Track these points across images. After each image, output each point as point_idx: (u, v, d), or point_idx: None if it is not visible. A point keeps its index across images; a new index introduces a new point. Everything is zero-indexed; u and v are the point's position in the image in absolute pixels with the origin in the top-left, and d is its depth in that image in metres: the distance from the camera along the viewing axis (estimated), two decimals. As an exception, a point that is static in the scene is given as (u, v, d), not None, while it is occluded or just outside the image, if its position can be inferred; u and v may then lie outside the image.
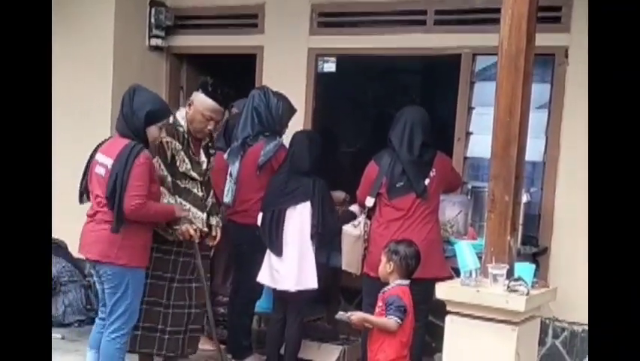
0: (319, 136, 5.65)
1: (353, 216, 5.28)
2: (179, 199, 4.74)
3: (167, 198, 4.68)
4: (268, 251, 5.26)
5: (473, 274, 3.97)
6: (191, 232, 4.70)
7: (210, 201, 5.06)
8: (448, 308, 4.01)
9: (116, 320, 4.48)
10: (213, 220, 5.02)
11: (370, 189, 5.07)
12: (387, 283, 4.44)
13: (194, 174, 4.79)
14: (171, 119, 4.75)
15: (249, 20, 6.77)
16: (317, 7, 6.42)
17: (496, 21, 4.04)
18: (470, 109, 5.85)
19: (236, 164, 5.49)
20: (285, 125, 5.63)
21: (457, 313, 3.97)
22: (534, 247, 5.45)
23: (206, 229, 4.87)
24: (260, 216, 5.30)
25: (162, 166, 4.67)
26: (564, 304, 5.00)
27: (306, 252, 5.26)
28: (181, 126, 4.78)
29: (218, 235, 5.04)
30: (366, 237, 5.11)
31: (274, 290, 5.36)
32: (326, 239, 5.33)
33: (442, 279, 4.34)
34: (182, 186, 4.78)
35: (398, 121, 5.06)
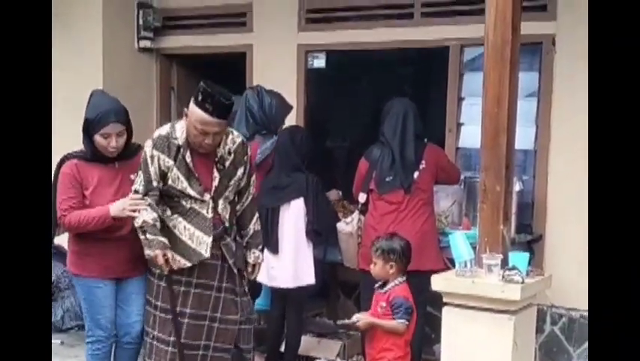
0: (305, 130, 5.67)
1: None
2: (183, 222, 4.23)
3: (169, 222, 4.25)
4: (265, 249, 5.29)
5: (468, 265, 4.00)
6: (160, 260, 4.09)
7: (251, 228, 4.50)
8: (445, 300, 4.04)
9: (86, 325, 4.50)
10: (251, 256, 4.48)
11: (362, 185, 5.10)
12: None
13: (192, 193, 4.19)
14: (167, 130, 4.24)
15: (238, 19, 6.79)
16: (305, 4, 6.44)
17: (483, 12, 4.05)
18: (460, 100, 5.87)
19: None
20: (281, 122, 5.64)
21: (453, 305, 4.00)
22: (529, 234, 5.49)
23: (207, 255, 4.24)
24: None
25: (142, 183, 4.18)
26: (561, 290, 5.02)
27: (302, 248, 5.28)
28: (176, 139, 4.18)
29: (257, 271, 4.56)
30: (359, 232, 5.14)
31: (272, 288, 5.39)
32: (322, 235, 5.36)
33: (438, 271, 4.36)
34: (188, 206, 4.22)
35: (388, 114, 5.08)
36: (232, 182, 4.31)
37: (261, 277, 5.27)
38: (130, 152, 4.43)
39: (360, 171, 5.15)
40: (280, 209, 5.25)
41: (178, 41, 7.12)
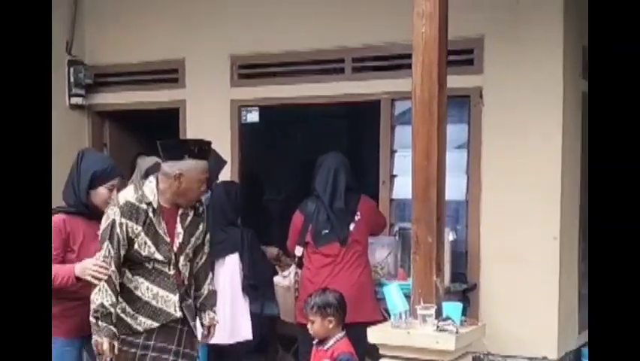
0: (238, 185, 5.68)
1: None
2: (145, 283, 4.05)
3: (129, 283, 4.06)
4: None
5: (403, 316, 4.02)
6: (106, 347, 3.87)
7: (205, 288, 4.32)
8: (381, 351, 4.04)
9: None
10: (206, 318, 4.32)
11: (298, 238, 5.11)
12: None
13: (159, 257, 4.03)
14: (133, 195, 4.03)
15: (170, 75, 6.82)
16: (236, 60, 6.50)
17: (411, 66, 4.12)
18: (393, 152, 5.96)
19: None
20: (215, 177, 5.63)
21: (389, 356, 4.00)
22: (463, 283, 5.55)
23: (179, 314, 4.08)
24: None
25: (110, 251, 3.94)
26: (497, 337, 5.06)
27: (239, 303, 5.25)
28: (148, 204, 4.01)
29: (212, 333, 4.40)
30: (297, 286, 5.13)
31: (208, 345, 5.31)
32: (258, 289, 5.33)
33: (375, 322, 4.37)
34: (150, 267, 4.05)
35: (320, 168, 5.11)
36: (193, 238, 4.20)
37: (197, 334, 5.21)
38: None
39: (296, 225, 5.15)
40: (215, 264, 5.21)
41: (110, 98, 7.10)
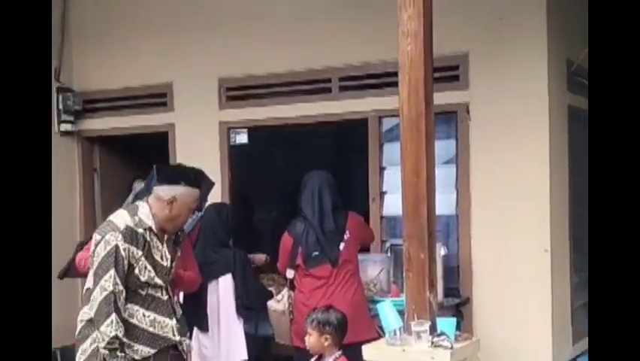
0: (229, 206, 5.69)
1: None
2: (140, 310, 4.00)
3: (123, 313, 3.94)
4: (195, 328, 5.23)
5: (397, 333, 4.03)
6: None
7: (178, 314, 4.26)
8: (377, 369, 4.06)
9: None
10: (185, 345, 4.22)
11: (288, 261, 5.08)
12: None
13: (158, 281, 4.04)
14: (130, 220, 3.98)
15: (158, 99, 6.84)
16: (224, 82, 6.53)
17: (397, 84, 4.14)
18: (382, 169, 6.00)
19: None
20: (204, 199, 5.64)
21: (385, 374, 4.02)
22: (456, 298, 5.57)
23: (177, 338, 4.10)
24: (181, 294, 5.27)
25: (114, 280, 3.84)
26: (491, 351, 5.08)
27: (233, 324, 5.26)
28: (147, 229, 4.00)
29: (189, 359, 4.31)
30: (290, 308, 5.10)
31: (204, 366, 5.32)
32: (252, 309, 5.34)
33: (371, 340, 4.37)
34: (144, 293, 4.02)
35: (305, 188, 5.09)
36: (175, 262, 4.21)
37: (194, 357, 5.21)
38: None
39: (285, 247, 5.12)
40: (208, 286, 5.22)
41: (99, 123, 7.12)
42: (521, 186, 5.45)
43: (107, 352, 3.82)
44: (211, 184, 5.68)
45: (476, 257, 5.64)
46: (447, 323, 4.05)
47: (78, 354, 4.02)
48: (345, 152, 8.36)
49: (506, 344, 5.41)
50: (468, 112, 5.62)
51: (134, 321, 3.98)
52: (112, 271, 3.84)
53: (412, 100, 3.93)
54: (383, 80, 5.81)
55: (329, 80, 6.14)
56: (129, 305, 3.97)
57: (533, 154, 5.41)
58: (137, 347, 3.97)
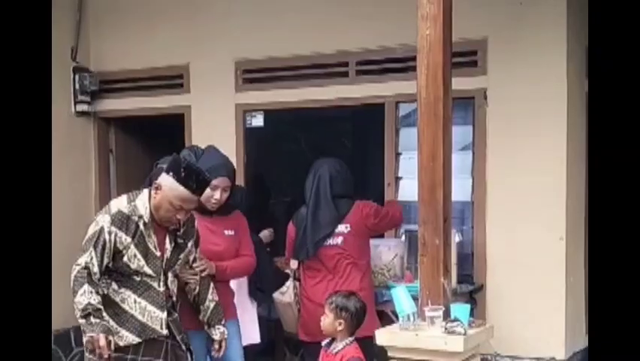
0: (244, 189, 5.68)
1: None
2: (132, 295, 3.96)
3: (115, 296, 3.94)
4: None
5: (411, 318, 4.03)
6: (103, 342, 3.70)
7: (209, 301, 4.29)
8: (390, 354, 4.05)
9: None
10: (217, 333, 4.30)
11: (292, 251, 5.01)
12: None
13: (148, 271, 3.95)
14: (126, 206, 3.94)
15: (175, 81, 6.84)
16: (241, 64, 6.52)
17: (415, 69, 4.14)
18: (397, 154, 5.97)
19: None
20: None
21: (399, 359, 4.01)
22: (470, 285, 5.55)
23: (164, 332, 4.02)
24: None
25: (93, 258, 3.82)
26: (504, 338, 5.06)
27: (247, 307, 5.25)
28: (140, 217, 3.93)
29: (224, 347, 4.33)
30: (297, 299, 5.01)
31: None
32: (265, 293, 5.33)
33: (369, 338, 4.34)
34: (139, 280, 3.96)
35: (308, 175, 4.96)
36: (182, 255, 4.12)
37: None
38: (226, 209, 4.55)
39: (290, 236, 5.03)
40: (222, 269, 5.22)
41: (115, 104, 7.12)
42: (537, 174, 5.41)
43: (83, 321, 3.75)
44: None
45: (491, 244, 5.62)
46: (461, 309, 4.04)
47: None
48: (361, 136, 8.35)
49: (519, 332, 5.39)
50: (485, 98, 5.58)
51: (124, 306, 3.96)
52: (91, 250, 3.81)
53: (430, 84, 3.92)
54: (401, 64, 5.79)
55: (346, 64, 6.11)
56: (122, 290, 3.95)
57: (550, 142, 5.38)
58: (122, 333, 3.93)
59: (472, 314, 4.21)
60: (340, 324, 4.22)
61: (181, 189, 3.87)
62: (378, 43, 5.96)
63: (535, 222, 5.43)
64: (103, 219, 3.89)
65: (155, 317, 3.99)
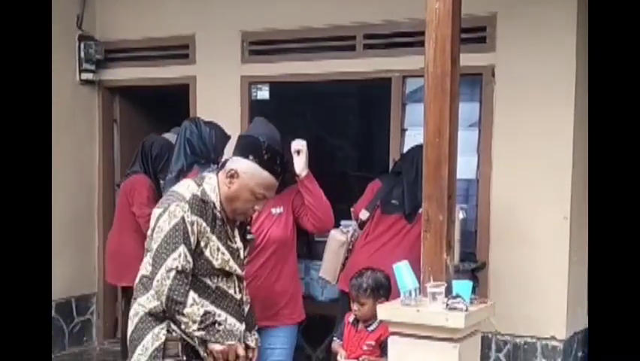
0: None
1: None
2: (210, 306, 3.37)
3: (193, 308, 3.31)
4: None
5: (413, 294, 4.01)
6: (240, 351, 3.35)
7: (246, 305, 3.66)
8: (391, 329, 4.04)
9: None
10: (251, 339, 3.65)
11: (368, 203, 5.16)
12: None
13: (235, 267, 3.41)
14: (196, 189, 3.38)
15: (180, 51, 6.80)
16: (247, 36, 6.47)
17: (423, 44, 4.09)
18: (403, 130, 5.94)
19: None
20: (220, 152, 5.63)
21: (399, 334, 4.00)
22: (472, 262, 5.53)
23: (241, 353, 3.47)
24: None
25: (182, 258, 3.24)
26: (505, 317, 5.06)
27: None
28: (211, 202, 3.37)
29: (255, 356, 3.67)
30: (350, 246, 5.16)
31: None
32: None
33: None
34: (214, 286, 3.36)
35: (408, 152, 5.37)
36: (247, 251, 3.62)
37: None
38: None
39: (371, 189, 5.24)
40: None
41: (120, 74, 7.09)
42: (544, 153, 5.38)
43: (203, 332, 3.30)
44: (226, 138, 5.66)
45: (494, 222, 5.60)
46: (463, 286, 4.02)
47: (135, 355, 3.40)
48: (367, 111, 8.29)
49: (521, 310, 5.39)
50: (493, 75, 5.53)
51: None
52: (181, 248, 3.24)
53: (438, 58, 3.87)
54: (408, 39, 5.74)
55: (353, 38, 6.05)
56: (200, 300, 3.35)
57: (558, 120, 5.34)
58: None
59: (474, 292, 4.19)
60: (382, 302, 4.22)
61: (265, 175, 3.40)
62: (386, 17, 5.91)
63: (539, 200, 5.41)
64: (179, 208, 3.28)
65: (235, 330, 3.46)
